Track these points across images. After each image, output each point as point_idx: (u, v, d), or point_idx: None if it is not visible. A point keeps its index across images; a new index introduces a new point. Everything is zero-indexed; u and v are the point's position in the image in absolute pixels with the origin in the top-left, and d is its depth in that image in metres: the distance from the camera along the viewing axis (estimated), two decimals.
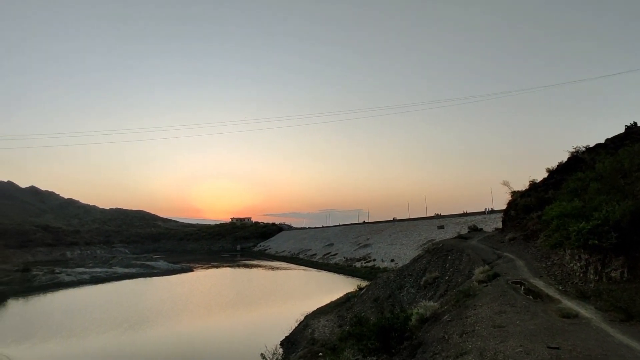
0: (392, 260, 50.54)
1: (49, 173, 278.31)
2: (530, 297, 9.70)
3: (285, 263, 76.23)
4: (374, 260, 55.48)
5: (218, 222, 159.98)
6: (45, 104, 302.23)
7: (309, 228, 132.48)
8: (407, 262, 27.93)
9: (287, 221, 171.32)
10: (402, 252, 53.43)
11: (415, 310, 11.15)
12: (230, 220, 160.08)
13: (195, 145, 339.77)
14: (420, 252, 31.87)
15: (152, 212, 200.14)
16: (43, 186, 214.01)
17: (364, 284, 29.57)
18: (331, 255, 70.73)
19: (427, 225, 64.89)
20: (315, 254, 78.54)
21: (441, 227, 58.77)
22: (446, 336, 8.12)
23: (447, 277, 17.76)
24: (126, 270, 58.09)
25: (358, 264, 56.69)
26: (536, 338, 6.45)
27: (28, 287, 44.45)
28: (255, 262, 78.26)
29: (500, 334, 6.96)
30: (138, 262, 65.60)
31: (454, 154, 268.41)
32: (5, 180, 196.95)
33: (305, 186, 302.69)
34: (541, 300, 9.37)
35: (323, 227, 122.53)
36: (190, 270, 62.75)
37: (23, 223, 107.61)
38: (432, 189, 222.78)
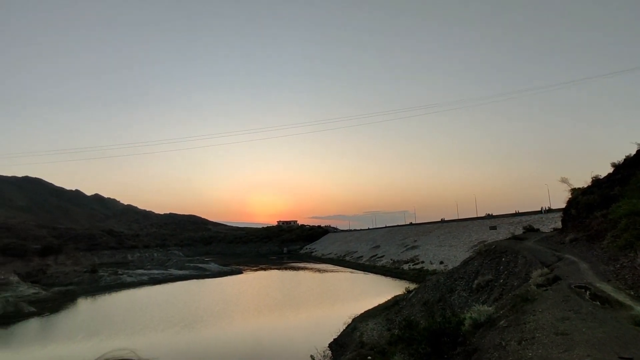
0: (441, 263, 48.96)
1: (111, 182, 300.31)
2: (597, 302, 8.94)
3: (332, 265, 76.33)
4: (422, 262, 54.06)
5: (265, 225, 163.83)
6: (105, 118, 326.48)
7: (355, 230, 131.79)
8: (457, 264, 26.91)
9: (333, 224, 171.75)
10: (452, 254, 51.60)
11: (468, 315, 10.68)
12: (276, 223, 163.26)
13: (242, 150, 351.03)
14: (471, 254, 30.57)
15: (202, 217, 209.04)
16: (106, 194, 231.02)
17: (412, 286, 28.88)
18: (377, 258, 69.86)
19: (477, 226, 62.24)
20: (361, 256, 77.96)
21: (493, 228, 56.08)
22: (503, 343, 7.70)
23: (501, 281, 16.88)
24: (180, 272, 60.96)
25: (405, 266, 55.51)
26: (606, 347, 5.92)
27: (95, 287, 47.94)
28: (302, 265, 79.12)
29: (564, 342, 6.47)
30: (191, 265, 68.67)
31: (505, 151, 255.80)
32: (74, 189, 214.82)
33: (350, 188, 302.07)
34: (610, 306, 8.61)
35: (369, 229, 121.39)
36: (239, 272, 64.64)
37: (90, 228, 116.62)
38: (482, 189, 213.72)
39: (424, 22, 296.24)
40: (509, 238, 26.16)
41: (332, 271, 65.51)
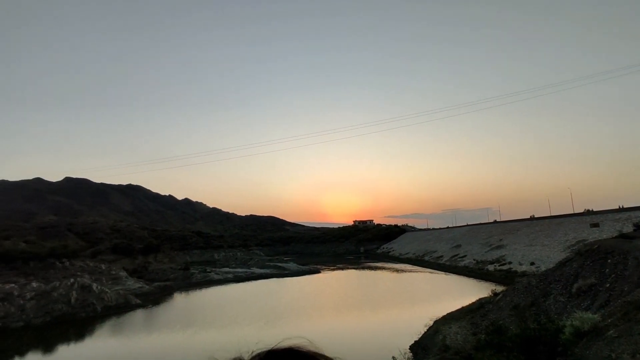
0: (532, 264, 44.86)
1: (198, 186, 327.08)
2: None
3: (410, 265, 74.31)
4: (510, 263, 50.07)
5: (341, 225, 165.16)
6: (191, 126, 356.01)
7: (433, 229, 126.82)
8: (551, 265, 24.41)
9: (410, 222, 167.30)
10: (544, 254, 47.01)
11: (568, 322, 9.58)
12: (352, 223, 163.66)
13: (318, 151, 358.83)
14: (568, 254, 27.56)
15: (281, 218, 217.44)
16: (194, 198, 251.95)
17: (498, 288, 26.87)
18: (459, 258, 66.36)
19: (574, 224, 55.90)
20: (441, 256, 74.71)
21: (595, 225, 49.86)
22: (613, 355, 6.76)
23: (607, 285, 14.90)
24: (262, 270, 64.01)
25: (490, 267, 51.88)
26: None
27: (188, 283, 52.41)
28: (379, 264, 78.23)
29: None
30: (271, 264, 71.77)
31: (604, 140, 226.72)
32: (167, 194, 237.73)
33: (428, 186, 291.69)
34: None
35: (448, 227, 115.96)
36: (317, 271, 65.90)
37: (182, 229, 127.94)
38: (578, 182, 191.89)
39: (499, 13, 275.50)
40: (616, 237, 23.08)
41: (410, 271, 63.76)
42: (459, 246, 75.71)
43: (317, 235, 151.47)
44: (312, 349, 1.01)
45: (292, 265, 70.00)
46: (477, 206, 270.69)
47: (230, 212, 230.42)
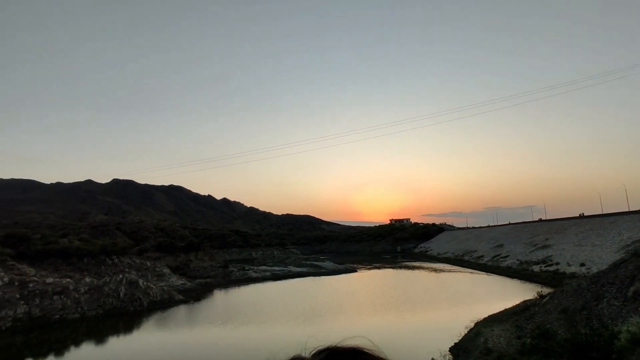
0: (582, 265, 42.35)
1: (235, 186, 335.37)
2: None
3: (449, 265, 72.40)
4: (557, 263, 47.55)
5: (377, 224, 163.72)
6: (228, 129, 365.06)
7: (473, 228, 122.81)
8: (604, 267, 22.91)
9: (448, 221, 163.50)
10: (595, 254, 44.24)
11: (624, 328, 8.97)
12: (389, 221, 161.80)
13: (353, 150, 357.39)
14: (623, 255, 25.77)
15: (317, 217, 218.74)
16: (232, 198, 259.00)
17: (544, 290, 25.64)
18: (501, 258, 63.84)
19: (630, 222, 52.15)
20: (482, 256, 72.21)
21: None
22: None
23: None
24: (298, 269, 64.65)
25: (535, 268, 49.50)
26: None
27: (227, 280, 53.89)
28: (416, 264, 76.81)
29: None
30: (308, 262, 72.30)
31: None
32: (207, 194, 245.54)
33: (467, 184, 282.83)
34: None
35: (489, 226, 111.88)
36: (354, 270, 65.68)
37: (221, 228, 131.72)
38: (633, 177, 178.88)
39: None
40: None
41: (449, 271, 62.12)
42: (501, 246, 72.85)
43: (352, 234, 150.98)
44: (373, 349, 1.01)
45: (328, 264, 70.19)
46: (520, 204, 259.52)
47: (267, 211, 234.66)
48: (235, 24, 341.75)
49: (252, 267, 64.55)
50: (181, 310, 35.75)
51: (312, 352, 1.03)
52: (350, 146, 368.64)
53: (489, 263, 64.25)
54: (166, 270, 52.91)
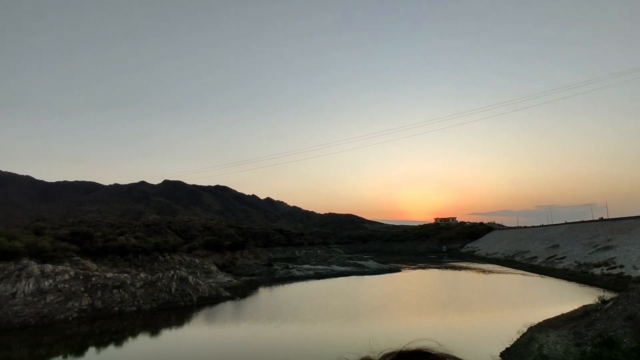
0: None
1: (279, 186, 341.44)
2: None
3: (498, 266, 69.24)
4: (621, 266, 43.95)
5: (421, 223, 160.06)
6: (271, 129, 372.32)
7: (525, 227, 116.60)
8: None
9: (497, 220, 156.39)
10: None
11: None
12: (434, 220, 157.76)
13: (396, 148, 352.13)
14: None
15: (359, 216, 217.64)
16: (275, 197, 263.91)
17: (607, 295, 23.79)
18: (557, 259, 60.07)
19: None
20: (535, 257, 68.35)
21: None
22: None
23: None
24: (342, 268, 64.65)
25: (596, 271, 46.06)
26: None
27: (271, 278, 55.01)
28: (463, 264, 74.19)
29: None
30: (351, 261, 72.09)
31: None
32: (251, 194, 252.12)
33: (517, 181, 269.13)
34: None
35: (543, 225, 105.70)
36: (398, 270, 64.64)
37: (266, 227, 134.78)
38: None
39: None
40: None
41: (499, 272, 59.41)
42: (556, 246, 68.54)
43: (396, 233, 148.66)
44: (442, 351, 1.00)
45: (371, 264, 69.60)
46: (578, 202, 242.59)
47: (310, 210, 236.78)
48: (275, 22, 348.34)
49: (295, 265, 65.40)
50: (228, 307, 36.96)
51: (381, 355, 1.02)
52: (394, 144, 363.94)
53: (543, 265, 60.69)
54: (213, 268, 54.98)
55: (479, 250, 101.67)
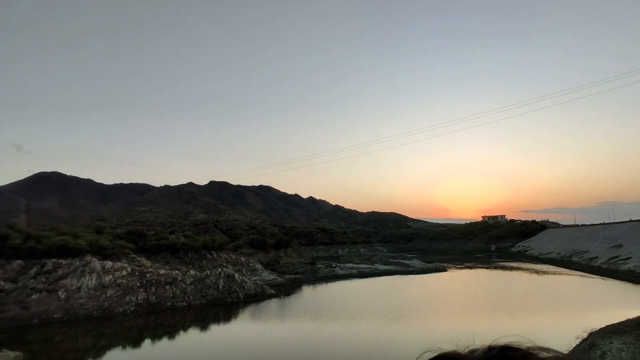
0: None
1: (321, 185, 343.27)
2: None
3: (553, 267, 65.23)
4: None
5: (468, 221, 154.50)
6: (312, 129, 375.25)
7: (583, 225, 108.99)
8: None
9: (551, 218, 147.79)
10: None
11: None
12: (481, 218, 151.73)
13: (440, 145, 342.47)
14: None
15: (403, 214, 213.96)
16: (317, 196, 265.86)
17: None
18: (621, 260, 55.58)
19: None
20: (595, 257, 63.67)
21: None
22: None
23: None
24: (385, 267, 63.88)
25: None
26: None
27: (315, 277, 55.46)
28: (514, 264, 70.65)
29: None
30: (395, 260, 71.04)
31: None
32: (294, 193, 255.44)
33: (574, 176, 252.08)
34: None
35: (604, 223, 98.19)
36: (443, 269, 62.85)
37: (309, 226, 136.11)
38: None
39: None
40: None
41: (554, 273, 55.98)
42: (619, 246, 63.42)
43: (441, 231, 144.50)
44: (531, 345, 0.97)
45: (416, 263, 68.18)
46: None
47: (352, 209, 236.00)
48: (319, 21, 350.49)
49: (338, 264, 65.49)
50: (273, 304, 37.73)
51: (469, 349, 1.03)
52: (438, 141, 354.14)
53: (604, 266, 56.39)
54: (258, 266, 56.35)
55: (531, 249, 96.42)
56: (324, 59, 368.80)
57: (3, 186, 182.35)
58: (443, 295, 40.01)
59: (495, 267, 67.08)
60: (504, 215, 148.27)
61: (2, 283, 32.11)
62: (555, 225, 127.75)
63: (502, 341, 1.00)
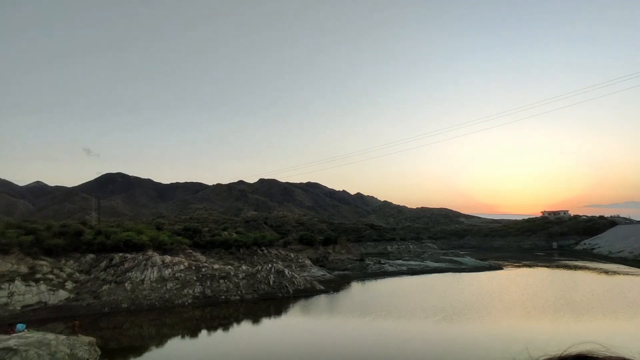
0: None
1: (369, 181, 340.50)
2: None
3: (625, 266, 59.83)
4: None
5: (525, 217, 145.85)
6: (359, 124, 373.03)
7: None
8: None
9: (622, 213, 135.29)
10: None
11: None
12: (541, 214, 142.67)
13: (493, 137, 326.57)
14: None
15: (454, 210, 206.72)
16: (365, 192, 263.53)
17: None
18: None
19: None
20: None
21: None
22: None
23: None
24: (436, 264, 62.10)
25: None
26: None
27: (364, 273, 55.21)
28: (579, 263, 65.70)
29: None
30: (446, 257, 68.81)
31: None
32: (341, 189, 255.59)
33: None
34: None
35: None
36: (499, 267, 59.93)
37: (356, 222, 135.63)
38: None
39: None
40: None
41: (626, 274, 51.37)
42: None
43: (496, 228, 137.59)
44: (609, 354, 0.88)
45: (469, 260, 65.61)
46: None
47: (401, 204, 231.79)
48: (359, 13, 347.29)
49: (387, 261, 64.69)
50: (322, 300, 38.11)
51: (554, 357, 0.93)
52: (489, 133, 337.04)
53: None
54: (307, 262, 57.11)
55: (599, 247, 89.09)
56: (371, 54, 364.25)
57: (76, 187, 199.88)
58: (499, 295, 38.21)
59: (557, 266, 62.80)
60: (567, 211, 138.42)
61: (78, 275, 35.32)
62: (628, 221, 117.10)
63: (574, 350, 0.90)
